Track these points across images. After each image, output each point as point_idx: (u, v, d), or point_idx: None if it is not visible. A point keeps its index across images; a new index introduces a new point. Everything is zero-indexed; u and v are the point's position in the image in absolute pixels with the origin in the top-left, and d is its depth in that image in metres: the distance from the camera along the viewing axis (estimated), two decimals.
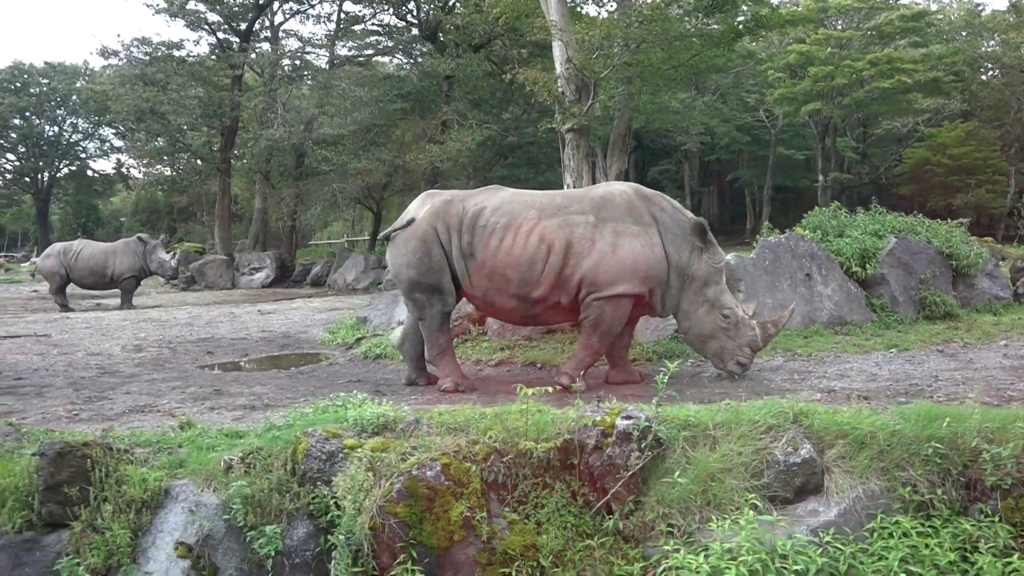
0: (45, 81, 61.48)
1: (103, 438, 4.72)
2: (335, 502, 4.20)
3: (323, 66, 27.02)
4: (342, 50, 27.73)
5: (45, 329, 13.03)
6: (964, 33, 42.77)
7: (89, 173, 65.39)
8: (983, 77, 39.93)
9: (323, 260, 25.73)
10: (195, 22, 25.58)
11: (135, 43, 25.52)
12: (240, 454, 4.56)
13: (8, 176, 61.77)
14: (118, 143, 64.07)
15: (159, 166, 31.41)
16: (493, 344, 8.74)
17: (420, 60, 23.50)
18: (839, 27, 38.84)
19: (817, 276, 9.06)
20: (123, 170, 66.06)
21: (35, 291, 24.35)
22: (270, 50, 27.61)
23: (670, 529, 4.00)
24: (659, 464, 4.21)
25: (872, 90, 33.74)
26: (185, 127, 24.16)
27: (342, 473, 4.04)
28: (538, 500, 4.22)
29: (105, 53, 24.97)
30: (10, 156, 61.18)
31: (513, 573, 3.90)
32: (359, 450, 4.16)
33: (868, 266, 9.23)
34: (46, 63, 61.84)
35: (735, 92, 41.18)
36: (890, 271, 9.32)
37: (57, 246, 19.31)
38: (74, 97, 60.76)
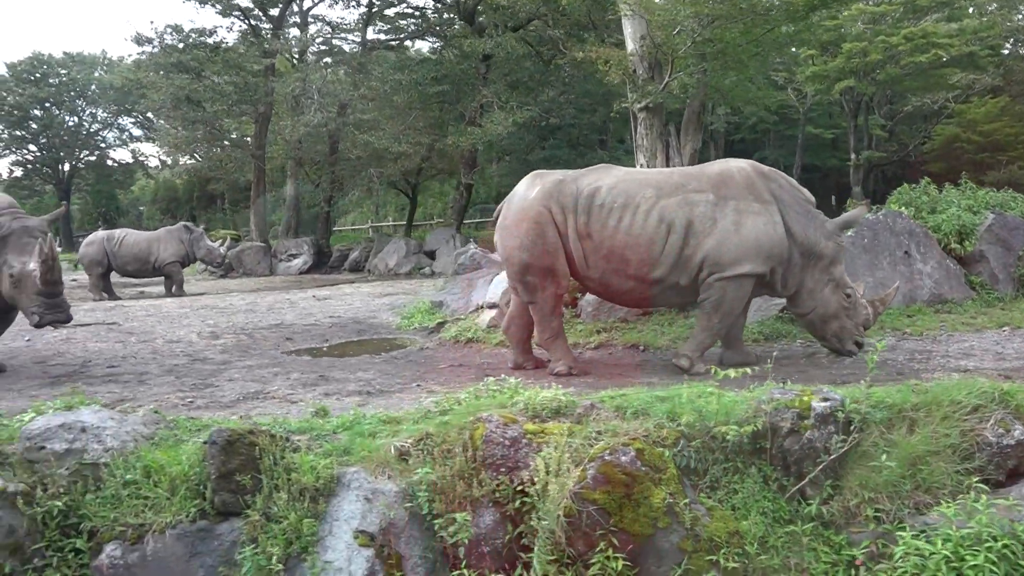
0: (63, 71, 61.49)
1: (266, 426, 4.61)
2: (522, 488, 4.09)
3: (355, 50, 26.74)
4: (374, 34, 27.45)
5: (111, 317, 12.98)
6: (995, 5, 42.04)
7: (109, 163, 65.43)
8: (1021, 51, 39.25)
9: (361, 245, 25.62)
10: (226, 8, 25.38)
11: (168, 30, 25.39)
12: (411, 440, 4.45)
13: (30, 167, 61.89)
14: (137, 132, 64.25)
15: (190, 155, 31.30)
16: (588, 327, 8.61)
17: (456, 41, 23.20)
18: (871, 1, 38.21)
19: (916, 254, 8.87)
20: (143, 159, 66.23)
21: (74, 280, 24.39)
22: (299, 36, 27.42)
23: (877, 514, 3.87)
24: (855, 448, 4.07)
25: (907, 65, 33.21)
26: (221, 114, 23.97)
27: (540, 459, 3.91)
28: (730, 485, 4.10)
29: (140, 40, 24.82)
30: (31, 147, 61.30)
31: (720, 560, 3.78)
32: (553, 436, 4.04)
33: (967, 243, 9.03)
34: (65, 53, 61.83)
35: (762, 72, 40.60)
36: (988, 248, 9.12)
37: (99, 234, 19.28)
38: (93, 87, 60.79)
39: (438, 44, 27.49)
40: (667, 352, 7.94)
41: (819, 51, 35.04)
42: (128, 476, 4.47)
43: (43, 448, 4.55)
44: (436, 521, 4.04)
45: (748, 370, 4.30)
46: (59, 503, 4.35)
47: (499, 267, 10.87)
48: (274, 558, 4.12)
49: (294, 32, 28.21)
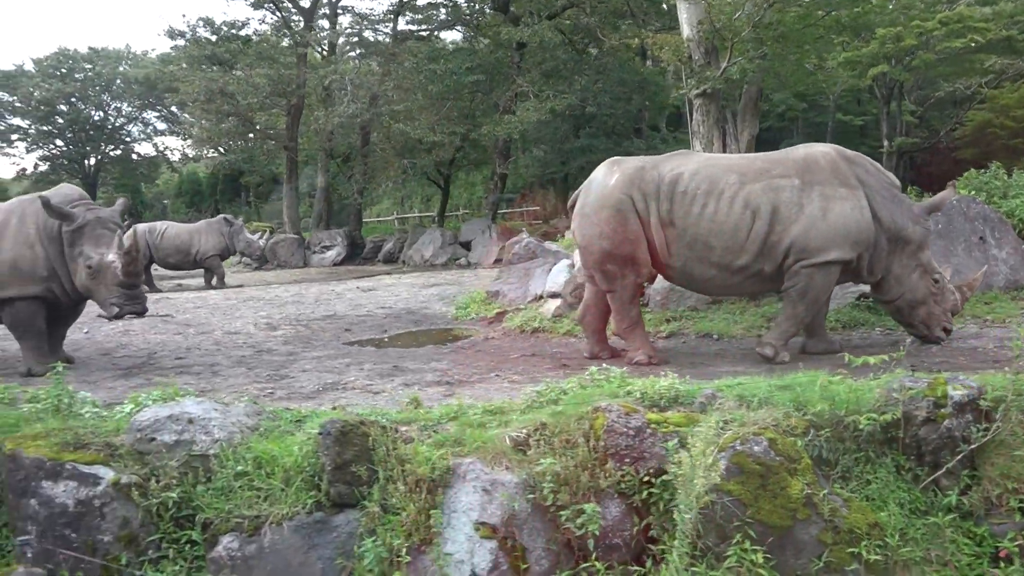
0: (88, 66, 61.89)
1: (373, 417, 4.55)
2: (648, 479, 4.01)
3: (385, 41, 26.66)
4: (404, 25, 27.34)
5: (161, 309, 13.00)
6: None
7: (133, 157, 65.88)
8: None
9: (394, 237, 25.61)
10: (259, 0, 25.35)
11: (200, 23, 25.42)
12: (525, 431, 4.38)
13: (56, 161, 62.43)
14: (161, 126, 64.63)
15: (220, 148, 31.38)
16: (657, 316, 8.50)
17: (489, 30, 23.05)
18: None
19: (991, 239, 8.68)
20: (166, 152, 66.62)
21: None
22: (329, 27, 27.37)
23: (1022, 505, 3.75)
24: (993, 437, 3.94)
25: (941, 51, 32.62)
26: (254, 107, 23.98)
27: (683, 450, 3.82)
28: (863, 476, 3.99)
29: (172, 34, 24.88)
30: (58, 142, 61.82)
31: (862, 552, 3.68)
32: (679, 425, 3.95)
33: None
34: (90, 48, 62.26)
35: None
36: None
37: (140, 227, 19.36)
38: (118, 81, 61.15)
39: (468, 34, 27.38)
40: (743, 341, 7.83)
41: (851, 36, 34.49)
42: (239, 467, 4.43)
43: (153, 440, 4.52)
44: (562, 513, 3.96)
45: (886, 357, 4.17)
46: (173, 495, 4.32)
47: (555, 257, 10.79)
48: (395, 550, 4.06)
49: (323, 24, 28.18)
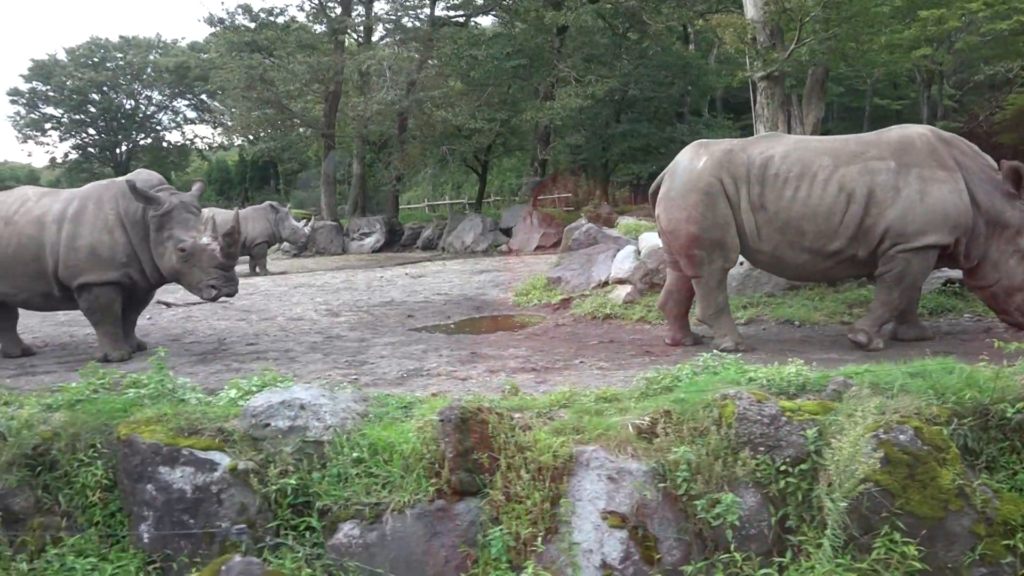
0: (120, 55, 62.34)
1: (489, 404, 4.48)
2: (784, 468, 3.90)
3: (422, 27, 26.51)
4: (440, 11, 27.18)
5: None
6: None
7: (164, 145, 66.39)
8: None
9: (432, 223, 25.54)
10: None
11: (238, 10, 25.43)
12: (647, 419, 4.28)
13: (89, 150, 63.09)
14: (191, 114, 65.06)
15: (253, 136, 31.46)
16: (734, 302, 8.33)
17: (528, 15, 22.81)
18: None
19: None
20: (194, 141, 67.07)
21: None
22: (364, 14, 27.27)
23: None
24: None
25: (986, 33, 31.89)
26: (294, 93, 23.98)
27: (835, 440, 3.70)
28: (1010, 466, 3.85)
29: (212, 20, 24.91)
30: (90, 131, 62.43)
31: (1018, 544, 3.55)
32: (835, 414, 3.83)
33: None
34: (121, 37, 62.61)
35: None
36: None
37: None
38: (148, 69, 61.56)
39: (505, 19, 27.14)
40: (826, 327, 7.67)
41: (894, 18, 33.79)
42: (355, 454, 4.38)
43: (268, 425, 4.48)
44: (697, 502, 3.86)
45: None
46: (292, 481, 4.28)
47: (615, 243, 10.65)
48: (523, 539, 3.99)
49: (358, 10, 28.08)
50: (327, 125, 25.85)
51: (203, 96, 62.24)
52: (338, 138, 27.55)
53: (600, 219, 22.27)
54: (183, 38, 62.28)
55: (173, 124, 65.86)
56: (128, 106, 62.73)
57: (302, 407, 4.57)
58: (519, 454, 4.24)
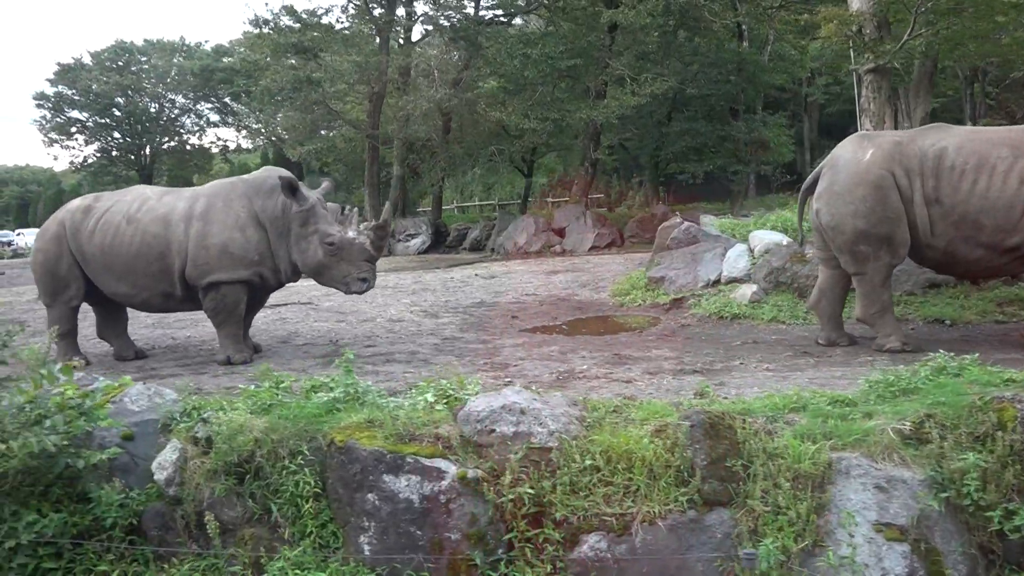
0: (144, 58, 62.48)
1: (731, 409, 4.22)
2: None
3: (465, 26, 26.30)
4: (482, 10, 26.97)
5: (290, 297, 12.84)
6: None
7: (188, 147, 66.50)
8: None
9: (480, 224, 25.30)
10: None
11: (282, 11, 25.31)
12: (908, 424, 4.01)
13: (114, 153, 63.25)
14: (215, 117, 65.14)
15: (271, 137, 31.31)
16: None
17: (578, 13, 22.57)
18: None
19: None
20: (217, 143, 67.13)
21: None
22: (405, 14, 27.09)
23: None
24: None
25: None
26: (341, 94, 23.81)
27: None
28: None
29: (257, 22, 24.76)
30: (115, 134, 62.58)
31: None
32: None
33: None
34: (145, 40, 62.79)
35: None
36: None
37: None
38: (173, 72, 61.65)
39: (547, 17, 26.87)
40: (980, 327, 7.39)
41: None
42: (588, 461, 4.13)
43: (493, 431, 4.24)
44: (990, 513, 3.59)
45: None
46: (529, 490, 4.03)
47: (715, 241, 10.39)
48: (790, 553, 3.73)
49: (400, 12, 27.91)
50: (372, 126, 25.67)
51: (227, 99, 62.38)
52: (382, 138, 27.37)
53: (655, 219, 22.05)
54: (207, 41, 62.33)
55: (196, 127, 65.96)
56: (152, 109, 62.84)
57: (522, 412, 4.33)
58: (770, 461, 3.98)
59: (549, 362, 6.96)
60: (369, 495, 4.18)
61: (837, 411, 4.33)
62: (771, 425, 4.29)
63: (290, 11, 25.44)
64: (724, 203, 23.43)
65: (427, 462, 4.17)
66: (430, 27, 27.98)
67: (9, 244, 52.30)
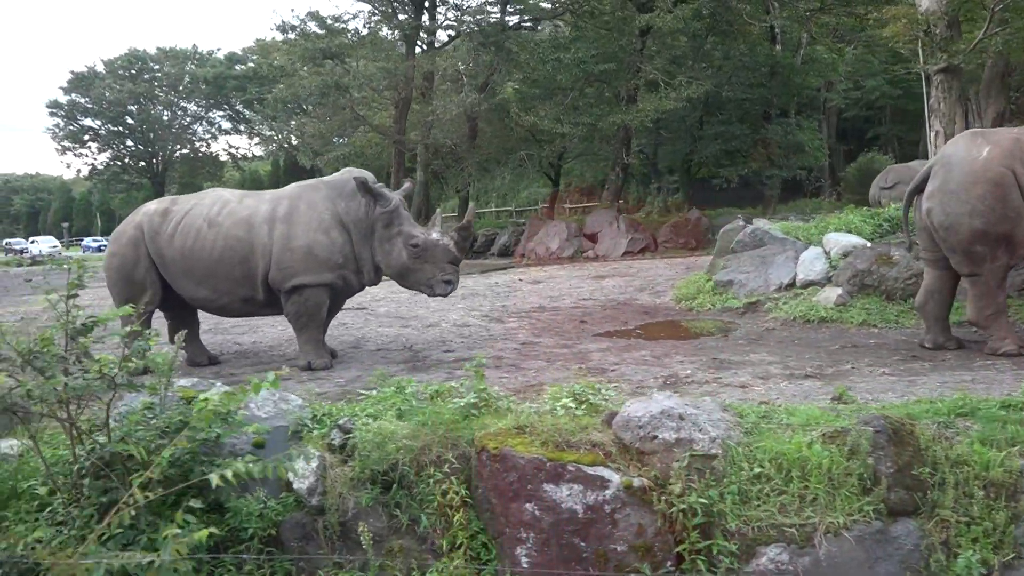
0: (156, 67, 62.55)
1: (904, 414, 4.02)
2: None
3: (493, 31, 26.20)
4: (506, 15, 26.87)
5: (351, 303, 12.64)
6: None
7: (200, 155, 66.53)
8: None
9: (508, 229, 25.11)
10: None
11: (308, 18, 25.23)
12: None
13: (127, 161, 63.28)
14: (226, 125, 65.18)
15: (285, 144, 31.21)
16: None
17: (607, 18, 22.44)
18: None
19: None
20: (232, 150, 67.20)
21: None
22: (428, 19, 27.01)
23: None
24: None
25: None
26: (369, 99, 23.70)
27: None
28: None
29: (284, 28, 24.68)
30: (128, 142, 62.63)
31: None
32: None
33: None
34: (158, 49, 62.84)
35: (884, 43, 38.85)
36: None
37: None
38: (186, 80, 61.69)
39: (571, 22, 26.76)
40: None
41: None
42: (756, 469, 3.93)
43: (655, 438, 4.05)
44: None
45: None
46: (702, 500, 3.83)
47: (783, 244, 10.20)
48: (992, 566, 3.53)
49: (424, 18, 27.83)
50: (398, 132, 25.54)
51: (239, 106, 62.45)
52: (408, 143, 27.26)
53: (689, 224, 21.86)
54: (219, 49, 62.36)
55: (208, 135, 66.02)
56: (165, 117, 62.90)
57: (681, 417, 4.14)
58: (956, 469, 3.79)
59: (647, 367, 6.77)
60: (527, 505, 3.98)
61: (1014, 416, 4.13)
62: (946, 431, 4.09)
63: (316, 17, 25.35)
64: (754, 208, 23.24)
65: (589, 470, 3.98)
66: (452, 32, 27.97)
67: (22, 252, 52.30)
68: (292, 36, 25.02)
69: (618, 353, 7.50)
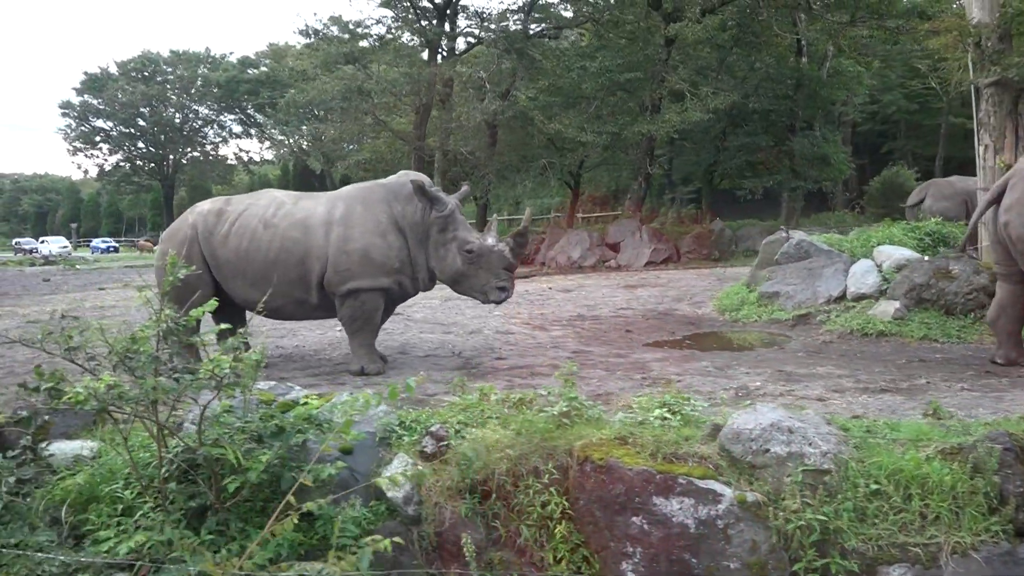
0: (169, 69, 62.69)
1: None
2: None
3: (515, 38, 26.16)
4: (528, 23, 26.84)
5: None
6: None
7: (210, 158, 66.59)
8: None
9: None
10: None
11: (329, 22, 25.23)
12: None
13: (138, 163, 63.34)
14: (237, 129, 65.25)
15: (297, 149, 31.16)
16: None
17: (632, 27, 22.40)
18: None
19: None
20: (243, 154, 67.25)
21: None
22: (449, 27, 26.99)
23: None
24: None
25: None
26: (389, 105, 23.65)
27: None
28: None
29: (307, 32, 24.66)
30: (139, 144, 62.72)
31: None
32: None
33: None
34: (172, 51, 62.99)
35: (901, 58, 38.85)
36: None
37: None
38: (198, 82, 61.80)
39: (591, 31, 26.72)
40: None
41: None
42: (873, 486, 3.80)
43: (767, 451, 3.91)
44: None
45: None
46: (820, 516, 3.70)
47: (829, 256, 10.08)
48: None
49: (446, 25, 27.82)
50: (418, 137, 25.50)
51: (250, 110, 62.55)
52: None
53: (712, 235, 21.73)
54: (231, 53, 62.44)
55: (219, 138, 66.11)
56: (176, 120, 62.99)
57: (791, 431, 4.00)
58: None
59: (712, 378, 6.64)
60: (634, 518, 3.85)
61: None
62: None
63: (337, 21, 25.34)
64: (775, 220, 23.14)
65: (701, 483, 3.85)
66: (472, 39, 27.95)
67: (31, 251, 52.28)
68: (314, 40, 25.00)
69: (677, 363, 7.37)
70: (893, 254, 9.22)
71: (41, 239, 58.72)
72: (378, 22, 24.89)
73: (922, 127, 41.63)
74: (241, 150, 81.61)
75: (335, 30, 24.93)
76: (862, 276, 9.20)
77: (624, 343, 8.76)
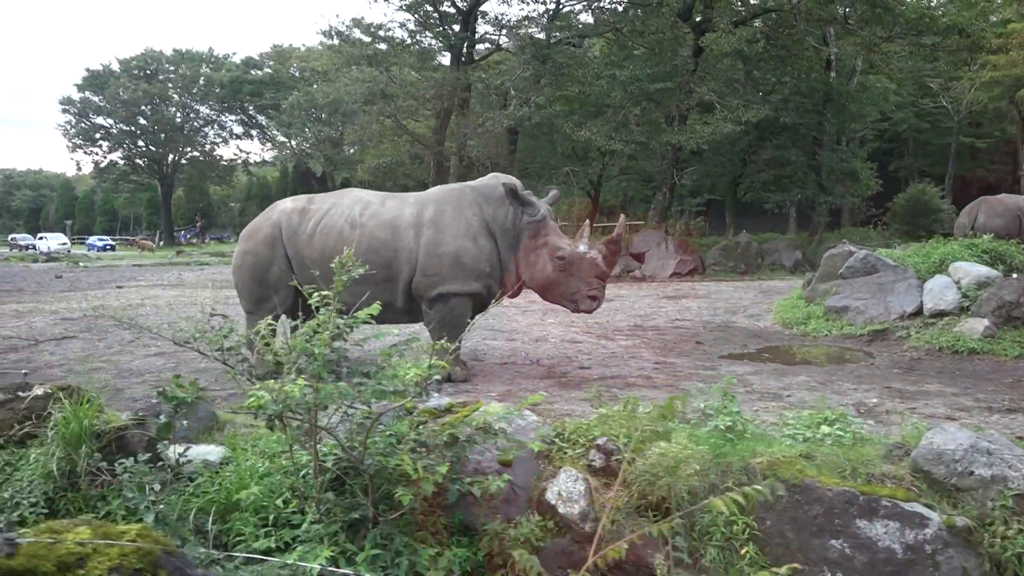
0: (171, 68, 62.22)
1: None
2: None
3: (542, 47, 26.04)
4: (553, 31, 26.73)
5: None
6: None
7: (211, 158, 66.06)
8: None
9: None
10: (416, 3, 24.81)
11: (352, 24, 25.03)
12: None
13: (137, 161, 62.74)
14: (238, 129, 64.81)
15: (303, 150, 30.87)
16: None
17: (658, 37, 22.31)
18: None
19: None
20: (243, 155, 66.79)
21: None
22: (468, 32, 26.83)
23: None
24: None
25: None
26: (411, 109, 23.45)
27: None
28: None
29: (330, 34, 24.44)
30: (139, 142, 62.15)
31: None
32: None
33: None
34: (174, 50, 62.56)
35: (912, 77, 39.05)
36: None
37: None
38: (201, 82, 61.36)
39: (614, 40, 26.62)
40: None
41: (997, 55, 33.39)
42: None
43: (972, 474, 3.70)
44: None
45: None
46: None
47: (895, 271, 9.93)
48: None
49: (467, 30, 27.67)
50: (437, 142, 25.30)
51: (251, 111, 62.16)
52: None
53: (739, 247, 21.60)
54: (234, 53, 62.08)
55: (219, 138, 65.65)
56: (177, 119, 62.47)
57: (989, 452, 3.80)
58: None
59: (820, 394, 6.41)
60: (833, 541, 3.63)
61: None
62: None
63: (359, 23, 25.15)
64: (797, 234, 23.06)
65: (906, 506, 3.63)
66: (491, 45, 27.80)
67: (29, 247, 51.63)
68: (338, 42, 24.78)
69: (775, 377, 7.17)
70: (971, 271, 9.07)
71: (39, 235, 58.04)
72: (401, 26, 24.70)
73: (930, 146, 41.82)
74: (241, 151, 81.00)
75: (357, 32, 24.70)
76: (940, 292, 9.03)
77: (700, 355, 8.55)
